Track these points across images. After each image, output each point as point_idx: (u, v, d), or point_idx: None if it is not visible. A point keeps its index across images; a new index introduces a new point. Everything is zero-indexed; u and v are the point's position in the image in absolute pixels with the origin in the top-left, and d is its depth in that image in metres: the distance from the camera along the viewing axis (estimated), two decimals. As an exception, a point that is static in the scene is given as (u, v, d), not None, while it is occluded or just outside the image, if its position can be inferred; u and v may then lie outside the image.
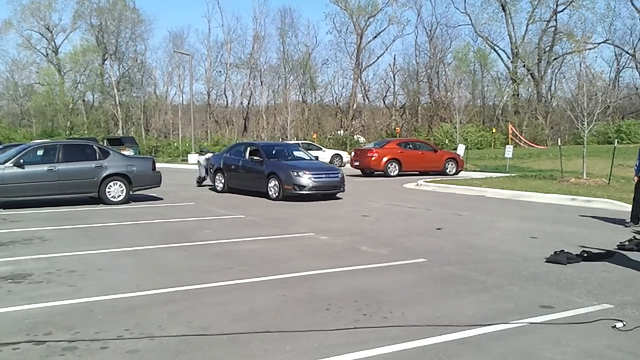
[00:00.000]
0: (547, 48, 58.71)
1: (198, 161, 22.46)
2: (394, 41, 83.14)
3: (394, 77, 66.12)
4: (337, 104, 68.24)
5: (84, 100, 69.45)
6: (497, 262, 8.48)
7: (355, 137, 53.29)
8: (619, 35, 61.65)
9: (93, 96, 71.12)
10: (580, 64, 40.34)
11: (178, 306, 6.23)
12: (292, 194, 16.20)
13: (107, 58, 68.30)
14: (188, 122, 52.17)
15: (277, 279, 7.40)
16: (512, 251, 9.32)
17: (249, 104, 71.21)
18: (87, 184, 15.45)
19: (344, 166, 33.26)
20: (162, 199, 17.18)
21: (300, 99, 67.56)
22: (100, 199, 15.59)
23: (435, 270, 7.98)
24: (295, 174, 16.26)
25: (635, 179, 12.06)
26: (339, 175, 16.96)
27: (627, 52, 59.43)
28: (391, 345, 5.01)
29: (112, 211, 14.36)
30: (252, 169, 17.71)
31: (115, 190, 15.72)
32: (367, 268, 8.10)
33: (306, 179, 16.19)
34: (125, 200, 15.81)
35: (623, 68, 61.84)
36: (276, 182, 16.54)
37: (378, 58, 67.11)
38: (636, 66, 59.58)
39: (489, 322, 5.63)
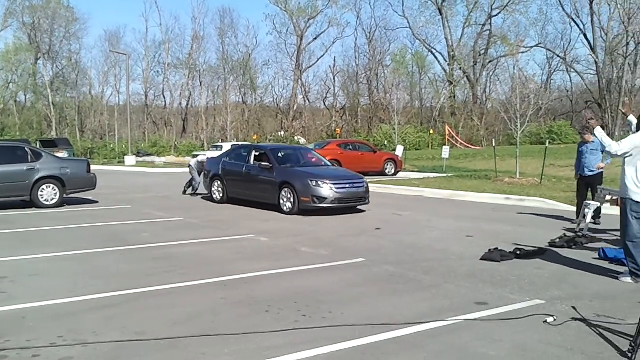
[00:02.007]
0: (482, 51, 60.23)
1: (189, 165, 19.61)
2: (334, 43, 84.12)
3: (334, 78, 66.63)
4: (277, 105, 68.18)
5: (15, 101, 66.95)
6: (435, 261, 8.65)
7: (296, 138, 53.39)
8: (551, 39, 64.02)
9: (25, 96, 68.68)
10: (514, 67, 41.68)
11: (114, 311, 6.10)
12: (310, 207, 13.60)
13: (40, 57, 66.09)
14: (125, 123, 51.11)
15: (216, 282, 7.34)
16: (448, 250, 9.52)
17: (187, 104, 70.28)
18: (19, 187, 14.93)
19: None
20: (97, 202, 16.76)
21: (241, 100, 67.13)
22: (33, 203, 15.09)
23: (375, 270, 8.07)
24: (314, 183, 13.61)
25: (577, 177, 12.51)
26: (364, 184, 14.46)
27: (558, 56, 61.63)
28: (330, 346, 5.04)
29: (45, 215, 13.92)
30: (259, 177, 14.98)
31: (49, 193, 15.25)
32: (307, 269, 8.13)
33: (328, 189, 13.57)
34: (59, 204, 15.35)
35: (554, 71, 64.20)
36: (291, 193, 13.85)
37: (318, 60, 67.51)
38: (567, 69, 61.85)
39: (426, 320, 5.74)
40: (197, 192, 18.70)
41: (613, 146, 7.28)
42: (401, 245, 9.97)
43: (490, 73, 61.41)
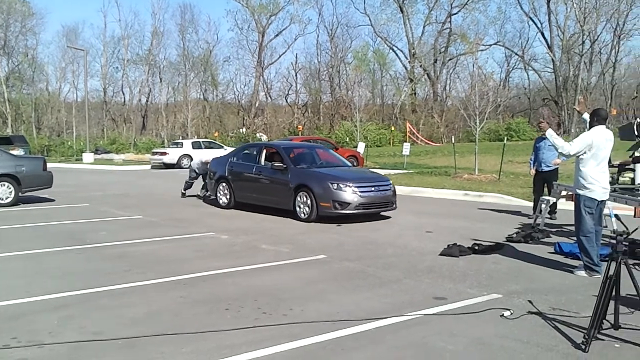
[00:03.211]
0: (443, 49, 60.85)
1: (190, 165, 17.80)
2: (295, 40, 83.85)
3: (296, 75, 66.45)
4: (239, 101, 67.74)
5: (-31, 97, 65.12)
6: (395, 257, 8.72)
7: (257, 135, 53.13)
8: (509, 38, 65.06)
9: (-21, 93, 66.86)
10: (473, 65, 42.25)
11: (71, 311, 5.99)
12: (331, 214, 11.99)
13: (-6, 53, 64.38)
14: (83, 120, 50.09)
15: (175, 280, 7.26)
16: (408, 245, 9.61)
17: (147, 101, 69.29)
18: (-29, 185, 14.53)
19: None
20: (54, 200, 16.41)
21: (202, 97, 66.51)
22: (-14, 202, 14.71)
23: (335, 267, 8.10)
24: (335, 186, 11.97)
25: (532, 172, 12.75)
26: (391, 187, 12.80)
27: (516, 54, 62.66)
28: (290, 343, 5.03)
29: (-1, 214, 13.59)
30: (271, 179, 13.33)
31: (3, 191, 14.87)
32: (268, 266, 8.11)
33: (351, 193, 11.92)
34: (14, 202, 14.98)
35: (513, 69, 65.30)
36: (308, 198, 12.20)
37: (280, 56, 67.26)
38: (525, 67, 62.94)
39: (385, 316, 5.78)
40: (204, 195, 16.71)
41: (565, 147, 7.46)
42: (362, 242, 10.02)
43: (450, 71, 62.16)
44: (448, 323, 5.62)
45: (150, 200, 16.73)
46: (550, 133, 7.82)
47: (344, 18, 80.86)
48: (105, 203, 15.78)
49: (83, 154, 41.66)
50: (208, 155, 18.23)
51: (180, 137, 48.77)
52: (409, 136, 47.83)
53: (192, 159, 17.66)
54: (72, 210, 14.26)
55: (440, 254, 8.79)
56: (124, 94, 69.52)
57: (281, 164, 13.09)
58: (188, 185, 17.22)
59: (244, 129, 56.31)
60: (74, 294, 6.61)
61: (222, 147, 35.54)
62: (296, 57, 67.12)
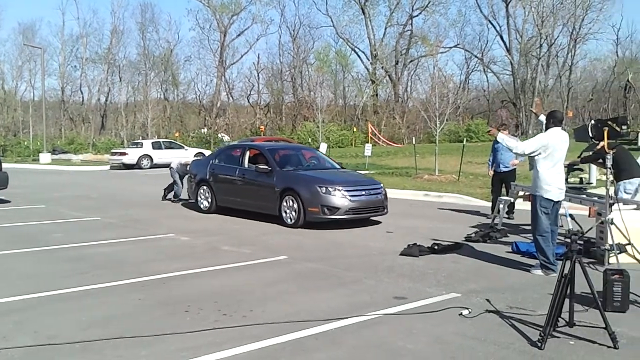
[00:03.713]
0: (404, 51, 61.30)
1: (170, 167, 16.60)
2: (257, 40, 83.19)
3: (258, 75, 66.13)
4: (200, 101, 67.12)
5: None
6: (355, 257, 8.76)
7: (219, 135, 52.74)
8: (469, 40, 65.81)
9: None
10: (434, 67, 42.56)
11: (25, 315, 5.86)
12: (319, 219, 11.43)
13: (-54, 50, 62.52)
14: (40, 120, 49.08)
15: (133, 283, 7.17)
16: (369, 246, 9.67)
17: (106, 100, 68.10)
18: None
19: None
20: (9, 201, 16.03)
21: (162, 96, 65.72)
22: (-63, 203, 14.28)
23: (296, 267, 8.10)
24: (324, 190, 11.38)
25: (490, 173, 12.94)
26: (382, 190, 12.28)
27: (475, 56, 63.47)
28: (250, 344, 5.01)
29: (-49, 216, 13.21)
30: (255, 182, 12.64)
31: (-45, 193, 14.47)
32: (229, 267, 8.06)
33: (340, 197, 11.37)
34: (-33, 204, 14.59)
35: (472, 71, 66.07)
36: (295, 202, 11.60)
37: (242, 56, 66.79)
38: (484, 70, 63.81)
39: (346, 316, 5.80)
40: (180, 197, 16.11)
41: (518, 147, 7.62)
42: (323, 242, 10.04)
43: (411, 72, 62.62)
44: (408, 322, 5.67)
45: (109, 201, 16.46)
46: (501, 137, 7.97)
47: (306, 19, 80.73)
48: (63, 204, 15.47)
49: (40, 154, 40.73)
50: (186, 156, 17.61)
51: (140, 137, 48.10)
52: (371, 137, 48.07)
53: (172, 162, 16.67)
54: (28, 212, 13.95)
55: (401, 254, 8.86)
56: (82, 93, 68.20)
57: (266, 167, 12.43)
58: (170, 189, 16.34)
59: (206, 129, 55.80)
60: (29, 297, 6.47)
61: (183, 147, 35.23)
62: (258, 58, 67.05)
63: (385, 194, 12.34)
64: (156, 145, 33.74)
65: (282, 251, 9.13)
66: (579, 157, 10.09)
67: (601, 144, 9.50)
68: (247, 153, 13.42)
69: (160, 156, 32.88)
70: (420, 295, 6.62)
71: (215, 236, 10.60)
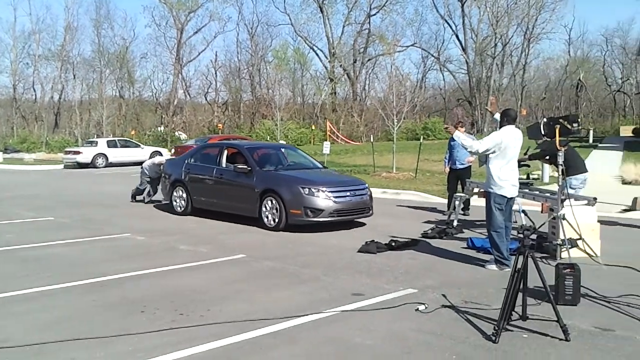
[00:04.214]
0: (362, 49, 61.64)
1: (142, 167, 15.60)
2: (215, 37, 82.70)
3: (215, 73, 65.60)
4: (156, 99, 66.26)
5: None
6: (314, 255, 8.78)
7: (176, 133, 52.19)
8: (426, 39, 66.71)
9: None
10: (391, 66, 42.94)
11: (-26, 319, 5.70)
12: (302, 222, 10.85)
13: None
14: (-10, 118, 47.75)
15: (87, 284, 7.04)
16: (327, 243, 9.70)
17: (60, 98, 66.62)
18: None
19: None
20: (-42, 202, 15.57)
21: (117, 94, 64.63)
22: None
23: (254, 266, 8.07)
24: (307, 191, 10.84)
25: (447, 170, 13.11)
26: (367, 191, 11.75)
27: (432, 55, 64.25)
28: (207, 343, 4.97)
29: None
30: (233, 183, 12.02)
31: None
32: (186, 267, 7.98)
33: (324, 198, 10.82)
34: None
35: (429, 70, 66.91)
36: (276, 204, 11.01)
37: (199, 54, 66.22)
38: (440, 68, 64.67)
39: (303, 313, 5.81)
40: (152, 199, 15.35)
41: (474, 145, 7.75)
42: (282, 240, 10.03)
43: (369, 71, 63.03)
44: (365, 318, 5.71)
45: (62, 201, 16.10)
46: (457, 135, 8.10)
47: (264, 16, 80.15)
48: (15, 204, 15.07)
49: (-10, 152, 39.69)
50: (160, 157, 16.47)
51: (95, 136, 47.21)
52: (330, 135, 48.18)
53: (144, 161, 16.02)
54: (-23, 212, 13.57)
55: (359, 251, 8.92)
56: (35, 91, 66.53)
57: (245, 166, 11.84)
58: (138, 192, 15.54)
59: (162, 128, 55.13)
60: (-22, 300, 6.30)
61: (139, 145, 34.73)
62: (216, 55, 66.50)
63: (371, 195, 11.83)
64: (111, 144, 33.17)
65: (240, 250, 9.09)
66: (525, 153, 10.30)
67: (545, 139, 9.76)
68: (225, 152, 12.79)
69: (115, 155, 32.36)
70: (377, 291, 6.67)
71: (172, 235, 10.48)
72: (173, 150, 29.62)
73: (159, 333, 5.27)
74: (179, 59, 62.93)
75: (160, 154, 34.14)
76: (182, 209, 13.09)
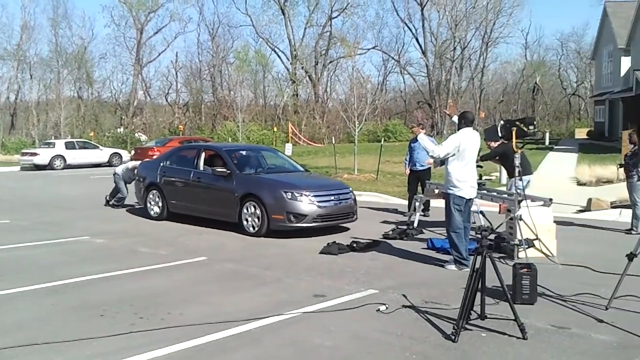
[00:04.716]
0: (323, 52, 61.77)
1: (114, 173, 14.81)
2: (175, 38, 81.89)
3: (176, 74, 64.93)
4: (116, 100, 65.23)
5: None
6: (276, 257, 8.78)
7: (136, 135, 51.50)
8: (386, 42, 67.18)
9: None
10: (352, 68, 43.12)
11: None
12: (284, 228, 10.42)
13: None
14: (-58, 119, 46.38)
15: (45, 287, 6.91)
16: (289, 245, 9.69)
17: (16, 99, 65.05)
18: None
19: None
20: None
21: (76, 95, 63.43)
22: None
23: (216, 268, 8.04)
24: (289, 195, 10.41)
25: (407, 171, 13.22)
26: (351, 195, 11.36)
27: (393, 58, 64.70)
28: (168, 347, 4.94)
29: None
30: (212, 187, 11.53)
31: None
32: (146, 270, 7.90)
33: (307, 203, 10.41)
34: None
35: (389, 73, 67.34)
36: (257, 209, 10.55)
37: (159, 54, 65.35)
38: (401, 71, 65.21)
39: (265, 315, 5.81)
40: (125, 203, 14.61)
41: (435, 150, 7.89)
42: (243, 242, 10.00)
43: (331, 73, 63.19)
44: (326, 319, 5.74)
45: (19, 203, 15.75)
46: (421, 137, 8.21)
47: (225, 17, 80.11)
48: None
49: (-58, 154, 38.56)
50: (134, 162, 15.72)
51: (53, 137, 46.26)
52: (292, 137, 48.19)
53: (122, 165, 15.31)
54: None
55: (320, 253, 8.95)
56: (-10, 91, 64.94)
57: (224, 169, 11.34)
58: (114, 194, 14.76)
59: (122, 129, 54.34)
60: None
61: (98, 147, 34.18)
62: (176, 56, 65.85)
63: (355, 199, 11.46)
64: (70, 145, 32.54)
65: (201, 252, 9.04)
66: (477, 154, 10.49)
67: (496, 143, 9.98)
68: (203, 154, 12.24)
69: (74, 156, 31.76)
70: (339, 292, 6.71)
71: (132, 238, 10.36)
72: (133, 152, 29.22)
73: (118, 337, 5.21)
74: (138, 59, 62.12)
75: (120, 156, 33.83)
76: (158, 213, 12.56)
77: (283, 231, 10.43)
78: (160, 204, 12.53)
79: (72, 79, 63.44)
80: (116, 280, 7.32)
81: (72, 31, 64.62)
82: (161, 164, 12.95)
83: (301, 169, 12.88)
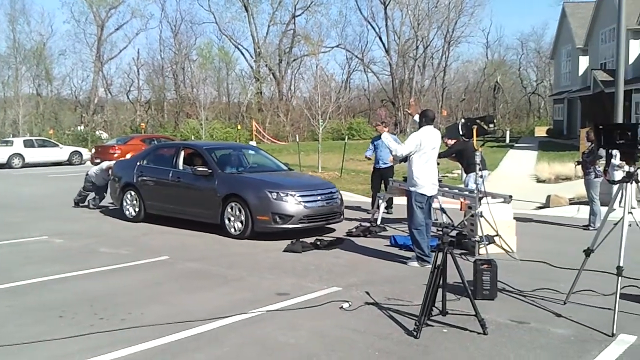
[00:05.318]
0: (287, 49, 61.68)
1: (87, 173, 14.22)
2: (137, 34, 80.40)
3: (138, 71, 64.08)
4: (76, 97, 64.09)
5: None
6: (239, 255, 8.74)
7: (97, 133, 50.69)
8: (350, 41, 67.57)
9: None
10: (316, 66, 43.18)
11: None
12: (269, 229, 10.00)
13: None
14: None
15: (3, 289, 6.76)
16: (252, 243, 9.63)
17: (-28, 96, 63.52)
18: None
19: (84, 164, 31.37)
20: None
21: (35, 92, 62.13)
22: None
23: (178, 267, 7.96)
24: (274, 195, 9.98)
25: (369, 155, 13.19)
26: (338, 195, 11.00)
27: (356, 57, 64.93)
28: (128, 347, 4.87)
29: None
30: (192, 187, 11.05)
31: None
32: (106, 270, 7.77)
33: (294, 204, 9.99)
34: None
35: (353, 71, 67.60)
36: (241, 210, 10.12)
37: (121, 51, 64.38)
38: (364, 69, 65.51)
39: (228, 314, 5.77)
40: (99, 204, 14.05)
41: (398, 150, 7.96)
42: (206, 241, 9.93)
43: (295, 71, 63.13)
44: (290, 318, 5.74)
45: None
46: (385, 137, 8.27)
47: (187, 14, 79.22)
48: None
49: None
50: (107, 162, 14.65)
51: (11, 135, 45.26)
52: (256, 135, 48.02)
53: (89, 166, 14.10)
54: None
55: (284, 251, 8.94)
56: (-56, 88, 63.14)
57: (205, 169, 10.89)
58: (81, 199, 14.20)
59: (83, 127, 53.43)
60: None
61: (58, 145, 33.53)
62: (138, 53, 65.03)
63: (341, 198, 11.12)
64: (28, 144, 31.82)
65: (163, 251, 8.93)
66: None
67: (452, 141, 10.12)
68: (182, 153, 11.75)
69: (32, 155, 31.08)
70: (302, 290, 6.71)
71: (92, 238, 10.19)
72: (93, 150, 28.75)
73: (77, 338, 5.12)
74: (99, 56, 61.12)
75: (81, 155, 33.22)
76: (134, 215, 12.03)
77: (268, 233, 10.03)
78: (137, 205, 12.03)
79: (30, 75, 62.05)
80: (75, 281, 7.19)
81: (31, 27, 63.16)
82: (138, 163, 12.41)
83: (284, 167, 12.44)
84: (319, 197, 10.44)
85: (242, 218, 10.11)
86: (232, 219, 10.27)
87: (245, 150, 13.18)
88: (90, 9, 60.41)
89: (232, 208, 10.28)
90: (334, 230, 10.78)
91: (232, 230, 10.23)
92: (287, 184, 10.55)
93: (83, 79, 64.88)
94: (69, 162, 31.52)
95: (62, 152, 32.14)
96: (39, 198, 15.71)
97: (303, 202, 10.11)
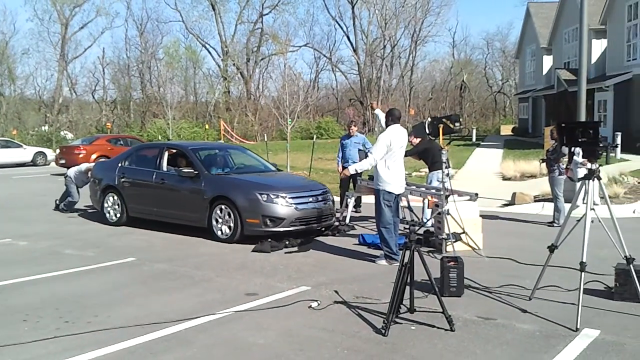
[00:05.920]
0: (255, 48, 61.45)
1: (66, 175, 13.57)
2: (102, 33, 79.54)
3: (103, 70, 63.27)
4: (40, 97, 62.97)
5: None
6: (207, 256, 8.69)
7: (62, 133, 49.84)
8: (318, 40, 67.69)
9: None
10: (284, 65, 43.10)
11: None
12: (259, 232, 9.53)
13: None
14: None
15: (-37, 293, 6.62)
16: (220, 244, 9.58)
17: None
18: None
19: (48, 164, 30.83)
20: None
21: (-3, 92, 60.92)
22: None
23: (145, 269, 7.88)
24: (264, 197, 9.58)
25: (340, 169, 13.25)
26: (330, 196, 10.63)
27: (324, 56, 64.99)
28: (95, 350, 4.82)
29: None
30: (177, 189, 10.62)
31: None
32: (71, 272, 7.67)
33: (285, 206, 9.60)
34: None
35: (321, 70, 67.64)
36: (230, 213, 9.71)
37: (85, 50, 63.36)
38: (332, 69, 65.61)
39: (196, 315, 5.74)
40: (75, 208, 13.58)
41: (371, 161, 8.05)
42: (173, 242, 9.85)
43: (263, 70, 62.87)
44: (259, 318, 5.73)
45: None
46: (354, 167, 8.56)
47: (154, 13, 78.65)
48: None
49: None
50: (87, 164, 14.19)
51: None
52: (224, 134, 47.74)
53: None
54: None
55: (253, 250, 8.92)
56: None
57: (191, 170, 10.48)
58: (63, 199, 13.56)
59: (47, 127, 52.49)
60: None
61: (21, 146, 32.89)
62: (103, 52, 64.31)
63: (333, 200, 10.81)
64: (-10, 144, 31.17)
65: (129, 253, 8.84)
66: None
67: (417, 140, 10.21)
68: (166, 154, 11.25)
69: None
70: (271, 290, 6.70)
71: (57, 239, 10.03)
72: (58, 151, 28.22)
73: (41, 342, 5.05)
74: (63, 55, 60.10)
75: (45, 155, 32.61)
76: (116, 218, 11.59)
77: (257, 236, 9.56)
78: (118, 208, 11.58)
79: (-8, 75, 60.80)
80: (40, 284, 7.07)
81: (-7, 26, 61.91)
82: (119, 165, 11.91)
83: (273, 168, 12.02)
84: (310, 199, 10.10)
85: (231, 222, 9.74)
86: (220, 222, 9.90)
87: (231, 151, 12.75)
88: (54, 7, 59.39)
89: (220, 211, 9.89)
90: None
91: (220, 233, 9.87)
92: (278, 185, 10.23)
93: (47, 78, 64.03)
94: (33, 163, 30.92)
95: (25, 153, 31.49)
96: (2, 200, 15.40)
97: (294, 204, 9.76)
